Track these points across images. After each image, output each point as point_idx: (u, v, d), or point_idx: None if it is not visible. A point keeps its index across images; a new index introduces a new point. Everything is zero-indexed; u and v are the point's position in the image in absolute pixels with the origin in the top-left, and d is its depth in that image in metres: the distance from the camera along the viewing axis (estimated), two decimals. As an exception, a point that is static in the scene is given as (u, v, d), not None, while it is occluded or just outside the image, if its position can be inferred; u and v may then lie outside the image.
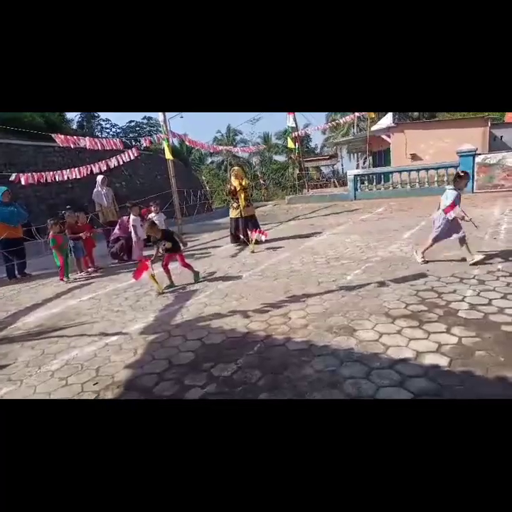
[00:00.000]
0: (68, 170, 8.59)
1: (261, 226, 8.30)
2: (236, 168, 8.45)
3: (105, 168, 8.89)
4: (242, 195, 7.86)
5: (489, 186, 11.90)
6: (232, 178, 8.00)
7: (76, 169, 8.56)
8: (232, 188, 7.86)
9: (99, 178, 9.00)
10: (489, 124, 16.80)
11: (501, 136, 17.61)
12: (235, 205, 7.92)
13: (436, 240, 4.98)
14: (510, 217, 7.36)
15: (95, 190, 9.03)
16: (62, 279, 6.59)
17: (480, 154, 12.26)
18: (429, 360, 2.64)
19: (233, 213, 8.02)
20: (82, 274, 7.04)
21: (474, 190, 12.02)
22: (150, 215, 7.13)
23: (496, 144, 16.70)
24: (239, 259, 6.80)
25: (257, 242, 7.44)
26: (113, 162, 8.95)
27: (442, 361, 2.60)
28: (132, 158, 9.37)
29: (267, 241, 7.74)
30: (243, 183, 7.92)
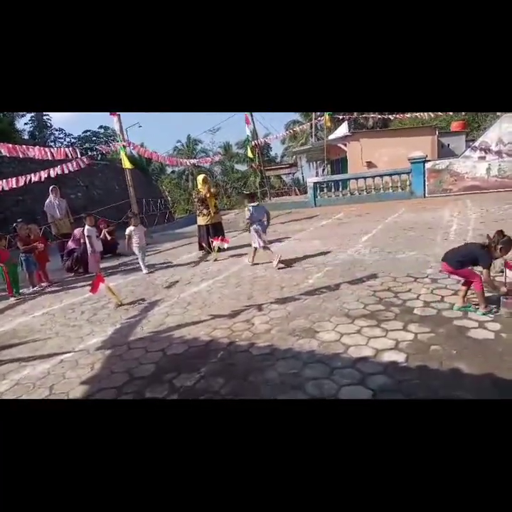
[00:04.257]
0: (4, 180, 8.09)
1: (225, 233, 8.29)
2: (202, 175, 8.40)
3: (46, 176, 8.49)
4: (212, 202, 7.86)
5: (439, 190, 12.58)
6: (200, 185, 7.94)
7: (13, 179, 8.10)
8: (202, 195, 7.80)
9: (50, 188, 8.62)
10: (437, 133, 17.83)
11: (448, 144, 18.70)
12: (204, 211, 7.85)
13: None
14: (459, 220, 7.80)
15: (47, 201, 8.61)
16: (11, 295, 6.20)
17: (429, 161, 12.96)
18: (387, 357, 2.71)
19: (202, 220, 7.94)
20: (34, 289, 6.67)
21: (426, 195, 12.68)
22: (129, 228, 6.71)
23: (444, 152, 17.69)
24: (202, 268, 6.72)
25: (220, 250, 7.39)
26: (56, 170, 8.57)
27: (400, 357, 2.68)
28: (82, 166, 9.03)
29: (230, 248, 7.71)
30: (212, 190, 7.92)
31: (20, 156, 7.92)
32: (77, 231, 7.84)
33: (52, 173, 8.59)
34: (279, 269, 5.67)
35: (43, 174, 8.41)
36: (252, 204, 6.09)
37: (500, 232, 3.16)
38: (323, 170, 23.87)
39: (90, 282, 5.05)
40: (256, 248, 6.09)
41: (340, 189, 14.82)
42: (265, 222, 6.09)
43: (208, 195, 7.82)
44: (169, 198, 30.79)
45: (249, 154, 18.26)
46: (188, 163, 19.54)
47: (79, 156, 9.10)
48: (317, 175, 26.08)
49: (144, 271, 6.78)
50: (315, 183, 15.16)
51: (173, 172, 41.09)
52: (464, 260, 3.24)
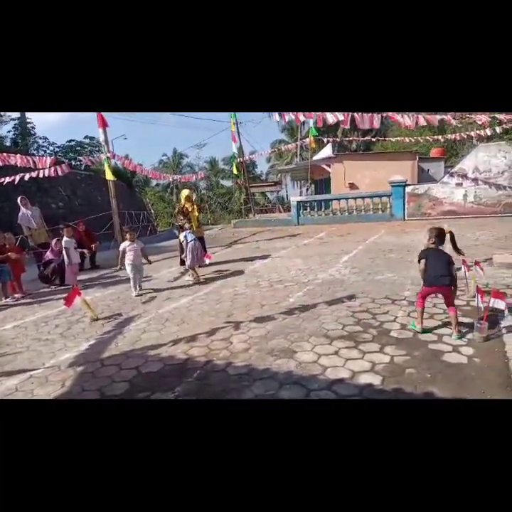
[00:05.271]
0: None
1: (207, 249, 8.25)
2: (187, 191, 8.37)
3: (20, 178, 8.37)
4: (195, 216, 7.86)
5: (418, 214, 12.95)
6: (183, 200, 7.93)
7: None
8: (183, 208, 7.79)
9: (18, 199, 8.37)
10: (417, 158, 18.44)
11: (428, 170, 19.34)
12: (186, 225, 7.81)
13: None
14: (436, 243, 8.00)
15: (20, 214, 8.29)
16: (-18, 307, 5.97)
17: (409, 185, 13.36)
18: (363, 379, 2.72)
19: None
20: (6, 300, 6.44)
21: (405, 218, 13.02)
22: (123, 244, 6.30)
23: (424, 177, 18.26)
24: (182, 283, 6.65)
25: (201, 266, 7.34)
26: (31, 174, 8.47)
27: (376, 380, 2.69)
28: (60, 174, 8.92)
29: (212, 264, 7.68)
30: (195, 205, 7.94)
31: (0, 164, 7.76)
32: (55, 241, 7.66)
33: (27, 176, 8.44)
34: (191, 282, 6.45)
35: (17, 178, 8.26)
36: (187, 231, 6.86)
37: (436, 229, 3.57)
38: (307, 189, 24.30)
39: (66, 295, 4.91)
40: (193, 266, 6.68)
41: (323, 209, 15.07)
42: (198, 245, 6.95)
43: (190, 209, 7.82)
44: (153, 211, 30.55)
45: (235, 171, 18.45)
46: (170, 179, 19.51)
47: (62, 166, 9.01)
48: (301, 194, 26.48)
49: (134, 293, 6.00)
50: (298, 201, 15.39)
51: (157, 185, 40.95)
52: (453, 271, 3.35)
